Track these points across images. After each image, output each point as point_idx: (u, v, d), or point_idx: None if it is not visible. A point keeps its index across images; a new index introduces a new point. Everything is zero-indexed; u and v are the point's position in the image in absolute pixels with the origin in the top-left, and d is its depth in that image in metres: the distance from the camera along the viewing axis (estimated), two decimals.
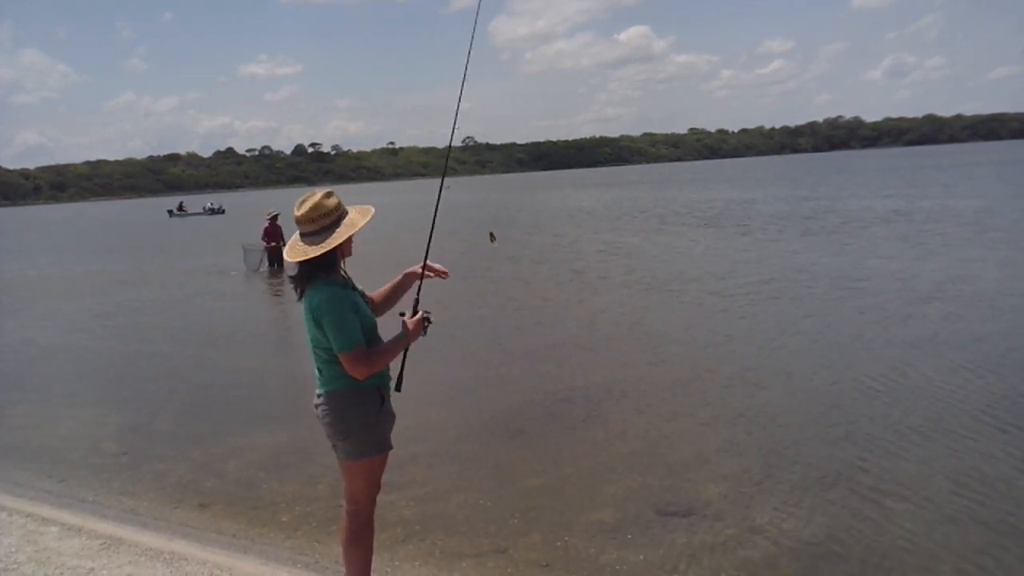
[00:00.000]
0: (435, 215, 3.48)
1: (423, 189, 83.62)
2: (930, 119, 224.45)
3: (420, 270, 3.35)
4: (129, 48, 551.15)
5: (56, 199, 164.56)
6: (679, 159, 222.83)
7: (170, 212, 58.30)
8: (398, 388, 3.21)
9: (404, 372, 3.24)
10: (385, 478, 3.28)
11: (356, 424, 3.05)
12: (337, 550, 3.75)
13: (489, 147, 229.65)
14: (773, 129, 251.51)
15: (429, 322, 3.16)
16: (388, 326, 3.18)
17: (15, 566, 4.08)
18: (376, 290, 3.39)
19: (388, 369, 3.15)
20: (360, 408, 3.05)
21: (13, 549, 4.30)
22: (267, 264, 17.97)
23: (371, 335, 3.05)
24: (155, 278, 18.79)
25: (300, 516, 4.81)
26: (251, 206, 60.92)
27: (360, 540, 3.22)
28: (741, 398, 6.61)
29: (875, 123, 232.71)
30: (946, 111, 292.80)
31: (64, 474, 5.89)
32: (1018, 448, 5.16)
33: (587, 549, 4.18)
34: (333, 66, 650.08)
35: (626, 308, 11.03)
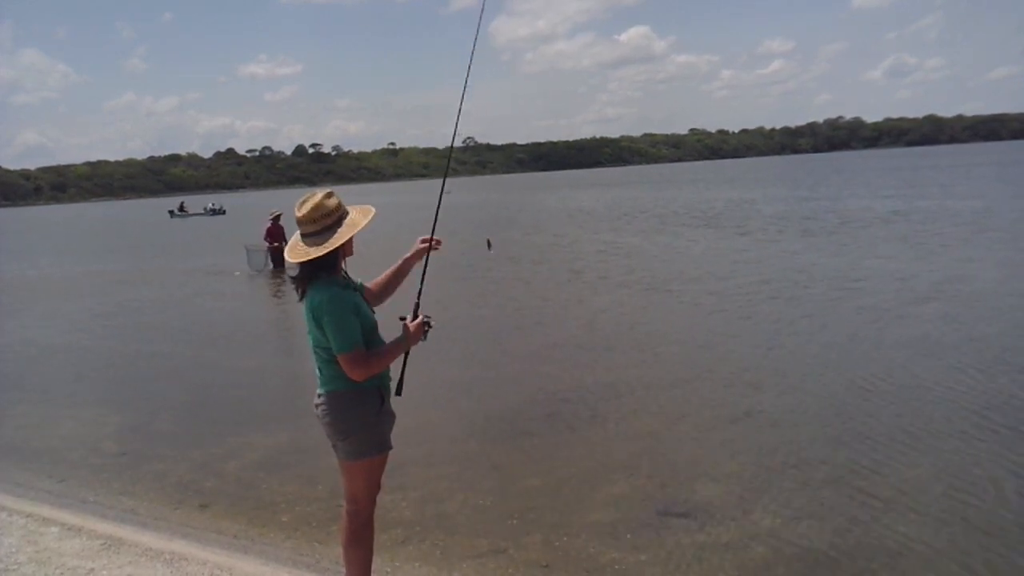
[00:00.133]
0: (435, 220, 3.48)
1: (424, 190, 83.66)
2: (930, 119, 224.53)
3: (425, 243, 3.38)
4: (129, 48, 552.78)
5: (57, 200, 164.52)
6: (680, 159, 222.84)
7: (171, 212, 58.26)
8: (399, 392, 3.21)
9: (405, 377, 3.24)
10: (385, 478, 3.28)
11: (356, 424, 3.06)
12: (337, 550, 3.76)
13: (489, 147, 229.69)
14: (773, 130, 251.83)
15: (429, 327, 3.17)
16: (388, 327, 3.20)
17: (15, 566, 4.08)
18: (374, 279, 3.40)
19: (388, 369, 3.16)
20: (360, 408, 3.05)
21: (13, 549, 4.31)
22: (271, 264, 17.93)
23: (371, 336, 3.05)
24: (155, 278, 18.79)
25: (300, 516, 4.82)
26: (252, 207, 60.96)
27: (360, 540, 3.23)
28: (740, 398, 6.62)
29: (875, 123, 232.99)
30: (946, 111, 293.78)
31: (64, 474, 5.90)
32: (1014, 450, 5.16)
33: (587, 549, 4.19)
34: (333, 66, 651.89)
35: (626, 308, 11.04)
